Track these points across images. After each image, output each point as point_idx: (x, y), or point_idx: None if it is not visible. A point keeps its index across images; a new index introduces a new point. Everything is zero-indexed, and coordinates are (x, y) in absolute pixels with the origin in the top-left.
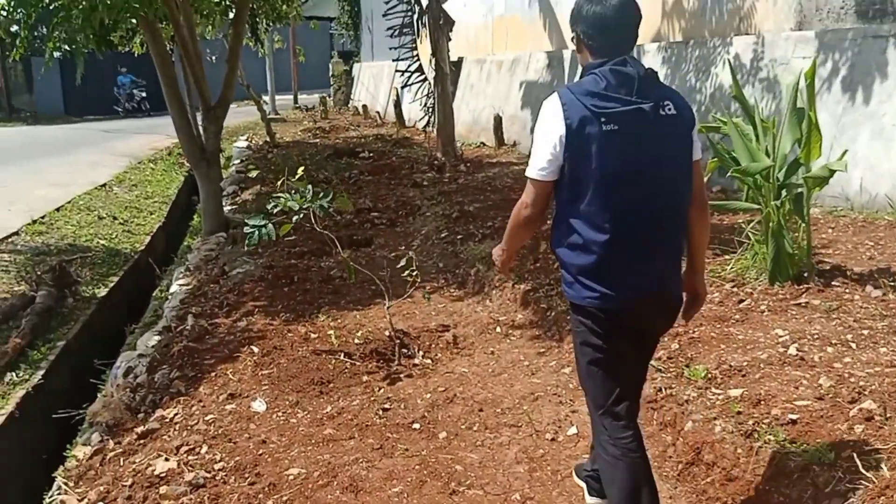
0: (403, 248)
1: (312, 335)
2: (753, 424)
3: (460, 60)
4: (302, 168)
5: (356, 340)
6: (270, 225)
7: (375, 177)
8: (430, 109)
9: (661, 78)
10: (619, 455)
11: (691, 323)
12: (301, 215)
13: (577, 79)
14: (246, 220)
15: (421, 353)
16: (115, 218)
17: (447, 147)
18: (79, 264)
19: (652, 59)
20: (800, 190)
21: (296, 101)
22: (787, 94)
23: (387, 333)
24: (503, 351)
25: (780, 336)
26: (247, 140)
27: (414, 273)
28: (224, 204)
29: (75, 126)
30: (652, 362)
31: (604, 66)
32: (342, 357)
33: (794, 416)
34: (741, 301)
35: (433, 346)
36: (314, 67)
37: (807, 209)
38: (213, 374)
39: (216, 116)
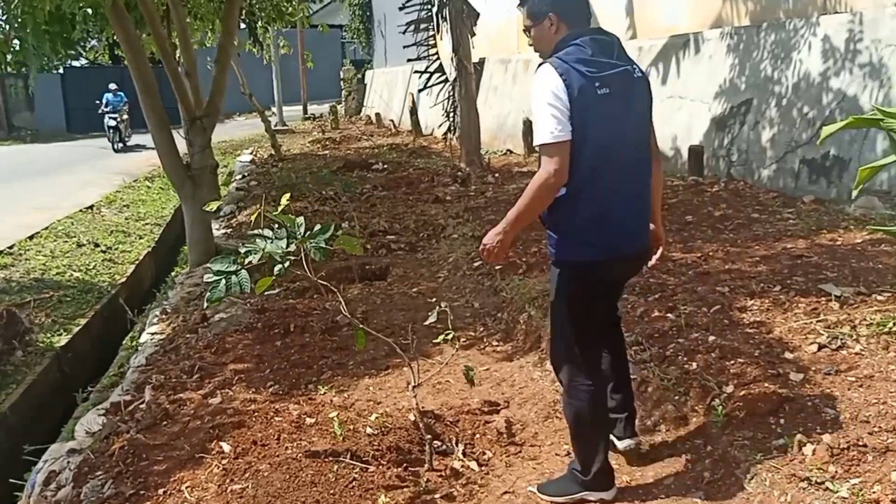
0: (427, 281)
1: (308, 419)
2: None
3: (482, 61)
4: (287, 196)
5: (368, 430)
6: (244, 272)
7: (391, 192)
8: (452, 114)
9: (727, 68)
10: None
11: None
12: (287, 263)
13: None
14: (209, 266)
15: (461, 447)
16: (96, 245)
17: (472, 156)
18: (34, 306)
19: (714, 47)
20: None
21: (305, 111)
22: None
23: (411, 417)
24: None
25: None
26: (251, 154)
27: (450, 337)
28: (218, 227)
29: (75, 143)
30: None
31: (584, 36)
32: (349, 459)
33: None
34: None
35: (478, 437)
36: (325, 78)
37: None
38: (161, 490)
39: (203, 127)
